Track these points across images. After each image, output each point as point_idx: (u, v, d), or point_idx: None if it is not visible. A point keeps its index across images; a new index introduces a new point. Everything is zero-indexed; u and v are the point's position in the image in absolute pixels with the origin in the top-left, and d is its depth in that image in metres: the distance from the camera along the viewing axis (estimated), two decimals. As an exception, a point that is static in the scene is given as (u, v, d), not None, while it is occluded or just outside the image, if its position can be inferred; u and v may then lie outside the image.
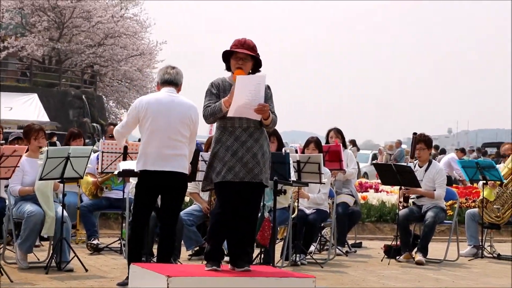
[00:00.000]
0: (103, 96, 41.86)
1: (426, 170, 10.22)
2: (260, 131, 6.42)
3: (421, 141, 10.34)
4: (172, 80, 7.22)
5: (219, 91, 6.42)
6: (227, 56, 6.50)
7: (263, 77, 6.30)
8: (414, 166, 10.34)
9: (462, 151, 27.39)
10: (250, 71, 6.51)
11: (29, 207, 8.26)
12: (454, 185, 17.52)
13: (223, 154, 6.31)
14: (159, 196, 7.20)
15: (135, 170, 7.13)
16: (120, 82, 41.93)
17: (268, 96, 6.39)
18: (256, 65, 6.52)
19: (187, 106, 7.15)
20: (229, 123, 6.35)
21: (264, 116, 6.30)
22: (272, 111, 6.41)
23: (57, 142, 19.73)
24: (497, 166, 11.05)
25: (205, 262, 6.33)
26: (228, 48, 6.47)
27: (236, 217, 6.36)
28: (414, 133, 10.55)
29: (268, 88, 6.44)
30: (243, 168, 6.27)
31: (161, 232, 7.23)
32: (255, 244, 7.87)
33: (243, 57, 6.40)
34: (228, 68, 6.54)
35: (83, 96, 36.22)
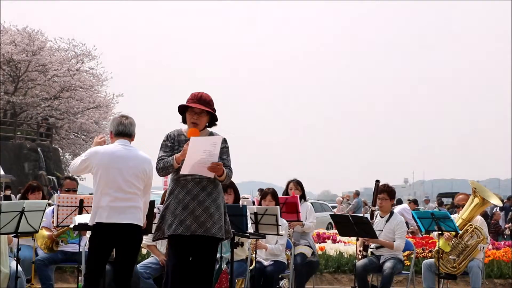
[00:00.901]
0: (59, 149, 41.57)
1: (387, 221, 10.30)
2: (214, 185, 6.43)
3: (384, 191, 10.44)
4: (126, 132, 7.18)
5: (173, 143, 6.45)
6: (183, 109, 6.53)
7: (219, 139, 6.29)
8: (375, 217, 10.40)
9: (415, 202, 27.67)
10: (207, 124, 6.55)
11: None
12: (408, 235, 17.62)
13: (175, 207, 6.32)
14: (114, 249, 7.13)
15: (89, 224, 7.06)
16: (76, 134, 41.74)
17: (224, 150, 6.41)
18: (212, 119, 6.55)
19: (142, 159, 7.08)
20: (182, 176, 6.36)
21: (218, 174, 6.32)
22: (227, 165, 6.42)
23: (12, 195, 19.50)
24: (452, 216, 11.16)
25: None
26: (185, 102, 6.50)
27: (191, 271, 6.34)
28: (377, 180, 10.63)
29: (224, 141, 6.45)
30: (195, 221, 6.28)
31: (117, 285, 7.15)
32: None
33: (198, 111, 6.42)
34: (184, 121, 6.56)
35: (39, 149, 35.92)
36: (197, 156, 6.16)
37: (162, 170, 6.36)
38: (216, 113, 6.54)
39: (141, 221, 7.02)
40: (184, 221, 6.27)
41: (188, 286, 6.34)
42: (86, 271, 7.21)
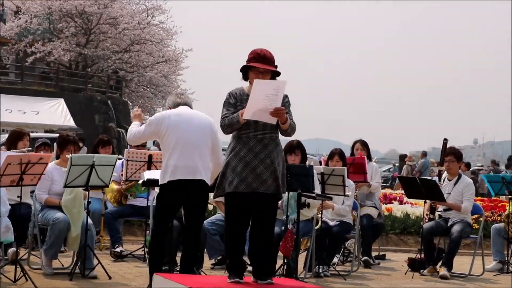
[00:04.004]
0: (129, 102, 42.03)
1: (455, 184, 10.14)
2: (275, 143, 6.38)
3: (451, 153, 10.24)
4: (185, 103, 7.37)
5: (236, 101, 6.39)
6: (245, 67, 6.47)
7: (283, 83, 6.20)
8: (443, 180, 10.26)
9: (467, 165, 27.67)
10: None
11: (54, 214, 8.32)
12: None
13: (236, 164, 6.27)
14: (182, 206, 7.20)
15: (160, 183, 7.11)
16: (145, 88, 42.15)
17: (285, 105, 6.33)
18: (274, 76, 6.48)
19: (207, 119, 7.24)
20: (244, 133, 6.31)
21: (281, 120, 6.24)
22: (290, 118, 6.35)
23: (85, 147, 19.80)
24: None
25: (227, 273, 6.32)
26: (247, 59, 6.43)
27: (253, 229, 6.34)
28: (445, 139, 10.47)
29: (285, 96, 6.39)
30: (257, 179, 6.24)
31: (185, 241, 7.21)
32: (277, 255, 7.84)
33: (262, 71, 6.37)
34: (245, 78, 6.51)
35: (109, 102, 36.36)
36: (260, 99, 6.08)
37: (228, 127, 6.32)
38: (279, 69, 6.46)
39: (209, 179, 7.07)
40: (246, 179, 6.23)
41: (252, 245, 6.35)
42: (153, 228, 7.31)
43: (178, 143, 6.97)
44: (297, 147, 8.99)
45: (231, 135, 6.42)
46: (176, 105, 7.34)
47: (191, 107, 7.38)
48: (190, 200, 7.06)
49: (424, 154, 30.12)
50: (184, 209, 7.20)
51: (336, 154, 9.96)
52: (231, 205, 6.33)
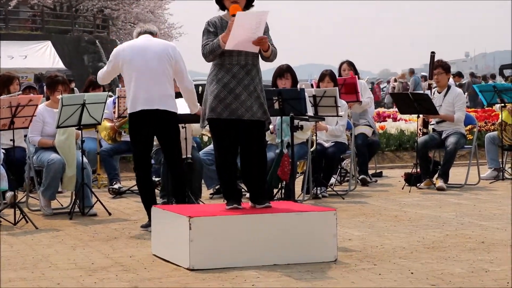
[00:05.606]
0: (117, 40, 41.62)
1: (445, 95, 10.17)
2: (257, 69, 6.29)
3: (439, 66, 10.29)
4: (146, 30, 7.42)
5: (216, 29, 6.30)
6: None
7: (264, 14, 6.09)
8: (433, 93, 10.30)
9: (459, 75, 27.82)
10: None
11: (49, 156, 8.32)
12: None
13: (219, 90, 6.16)
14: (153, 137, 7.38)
15: (127, 115, 7.39)
16: (133, 24, 41.67)
17: (265, 29, 6.25)
18: (249, 1, 6.38)
19: (164, 45, 7.33)
20: (227, 60, 6.21)
21: (264, 48, 6.17)
22: (271, 43, 6.28)
23: (75, 89, 19.74)
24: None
25: (225, 201, 6.34)
26: None
27: (243, 156, 6.31)
28: (432, 52, 10.50)
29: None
30: (241, 106, 6.15)
31: (171, 175, 7.44)
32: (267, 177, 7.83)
33: None
34: (223, 8, 6.41)
35: (97, 41, 36.05)
36: (242, 33, 6.02)
37: (210, 53, 6.21)
38: None
39: (174, 107, 7.24)
40: (230, 105, 6.16)
41: (246, 171, 6.33)
42: (134, 164, 7.54)
43: (134, 75, 7.14)
44: (286, 71, 8.93)
45: (211, 63, 6.33)
46: (137, 34, 7.42)
47: (153, 34, 7.41)
48: (157, 131, 7.25)
49: (412, 72, 29.86)
50: (158, 141, 7.43)
51: (327, 75, 9.94)
52: (216, 132, 6.28)
